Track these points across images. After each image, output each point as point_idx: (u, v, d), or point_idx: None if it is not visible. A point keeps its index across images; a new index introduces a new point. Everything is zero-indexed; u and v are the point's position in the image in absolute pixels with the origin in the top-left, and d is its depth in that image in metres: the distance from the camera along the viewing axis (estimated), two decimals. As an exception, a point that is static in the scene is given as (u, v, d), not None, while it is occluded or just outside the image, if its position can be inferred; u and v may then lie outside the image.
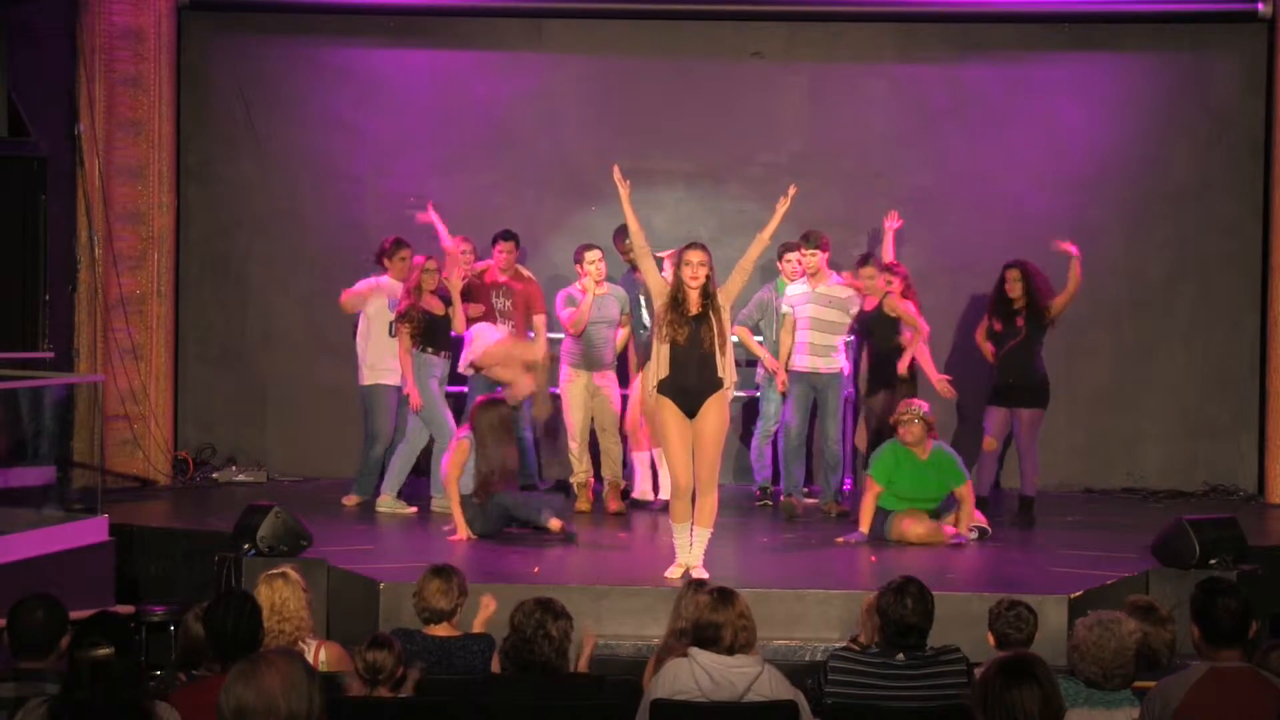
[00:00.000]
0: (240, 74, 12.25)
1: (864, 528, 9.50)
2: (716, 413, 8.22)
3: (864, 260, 10.65)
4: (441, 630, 6.38)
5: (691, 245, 8.39)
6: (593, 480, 10.81)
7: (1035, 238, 12.05)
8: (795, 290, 10.58)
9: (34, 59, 11.12)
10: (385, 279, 10.76)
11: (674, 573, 8.32)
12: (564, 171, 12.26)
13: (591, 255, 10.63)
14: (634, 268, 10.81)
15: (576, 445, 10.63)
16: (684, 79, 12.25)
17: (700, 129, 12.22)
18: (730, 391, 8.29)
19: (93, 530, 9.01)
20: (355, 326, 10.88)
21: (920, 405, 9.63)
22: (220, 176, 12.30)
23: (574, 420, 10.62)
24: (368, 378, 10.70)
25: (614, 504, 10.61)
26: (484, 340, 10.40)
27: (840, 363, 10.53)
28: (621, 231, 10.97)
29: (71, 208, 11.48)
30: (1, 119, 10.64)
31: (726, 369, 8.25)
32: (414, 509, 10.46)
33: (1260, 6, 11.75)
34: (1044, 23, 12.14)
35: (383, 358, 10.62)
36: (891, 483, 9.54)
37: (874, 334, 10.59)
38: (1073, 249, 10.39)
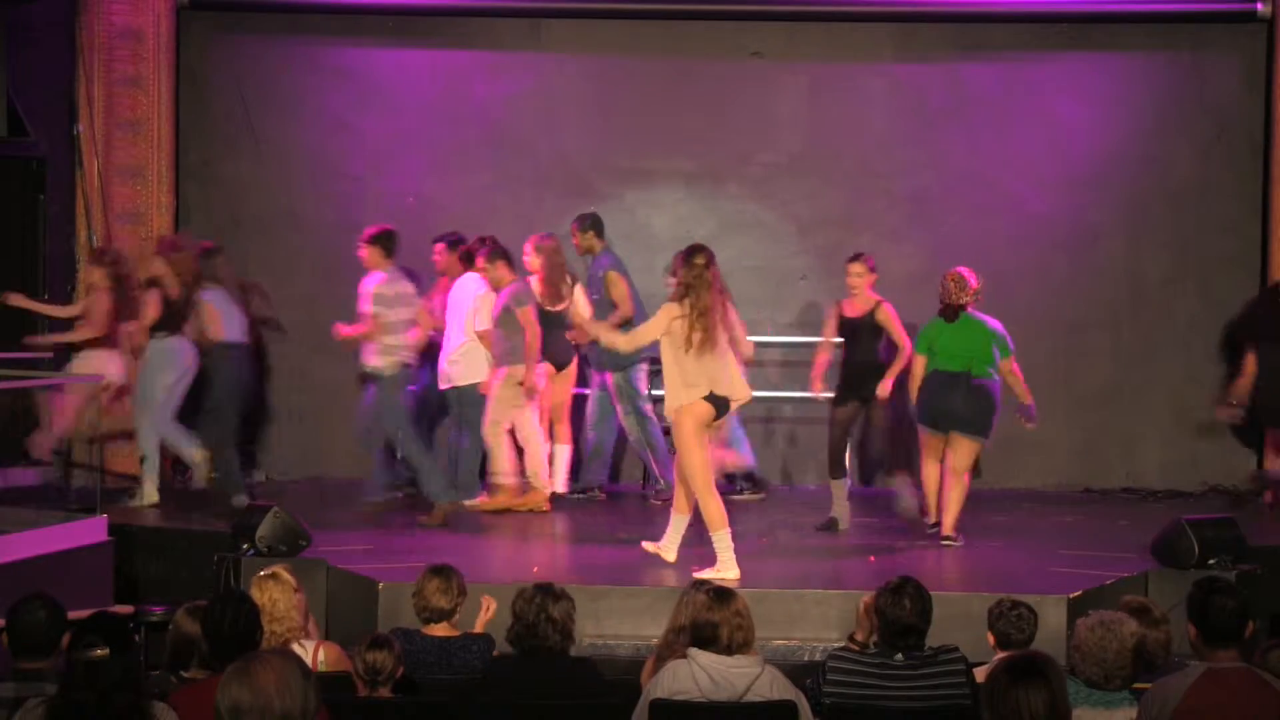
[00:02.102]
0: (239, 74, 12.26)
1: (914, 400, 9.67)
2: (673, 423, 8.44)
3: (855, 257, 10.03)
4: (441, 630, 6.38)
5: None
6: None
7: (1035, 238, 12.09)
8: None
9: (34, 59, 11.13)
10: (478, 278, 10.68)
11: (648, 545, 8.73)
12: (564, 171, 12.26)
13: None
14: (587, 253, 10.95)
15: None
16: (684, 79, 12.26)
17: (700, 129, 12.22)
18: (671, 409, 8.36)
19: (92, 530, 9.00)
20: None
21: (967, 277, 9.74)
22: (220, 176, 12.30)
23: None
24: (469, 376, 10.60)
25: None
26: None
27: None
28: (579, 221, 11.02)
29: (71, 208, 11.49)
30: (1, 119, 10.65)
31: (667, 389, 8.42)
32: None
33: (1260, 6, 11.75)
34: (1044, 23, 12.14)
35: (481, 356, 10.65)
36: (933, 350, 9.61)
37: (859, 341, 9.94)
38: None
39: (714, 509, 8.34)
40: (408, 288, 10.36)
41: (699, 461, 8.30)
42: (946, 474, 9.45)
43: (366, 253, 10.27)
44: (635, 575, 8.52)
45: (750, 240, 11.94)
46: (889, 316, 9.87)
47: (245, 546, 8.26)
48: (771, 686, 5.43)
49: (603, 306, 10.79)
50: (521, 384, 10.47)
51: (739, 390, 8.46)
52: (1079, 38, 12.14)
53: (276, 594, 6.13)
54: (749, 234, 12.03)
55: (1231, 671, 4.89)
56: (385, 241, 10.29)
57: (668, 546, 8.65)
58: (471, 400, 10.59)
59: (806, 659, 7.52)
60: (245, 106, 12.23)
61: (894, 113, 12.24)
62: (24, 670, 5.06)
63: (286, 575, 6.30)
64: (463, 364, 10.60)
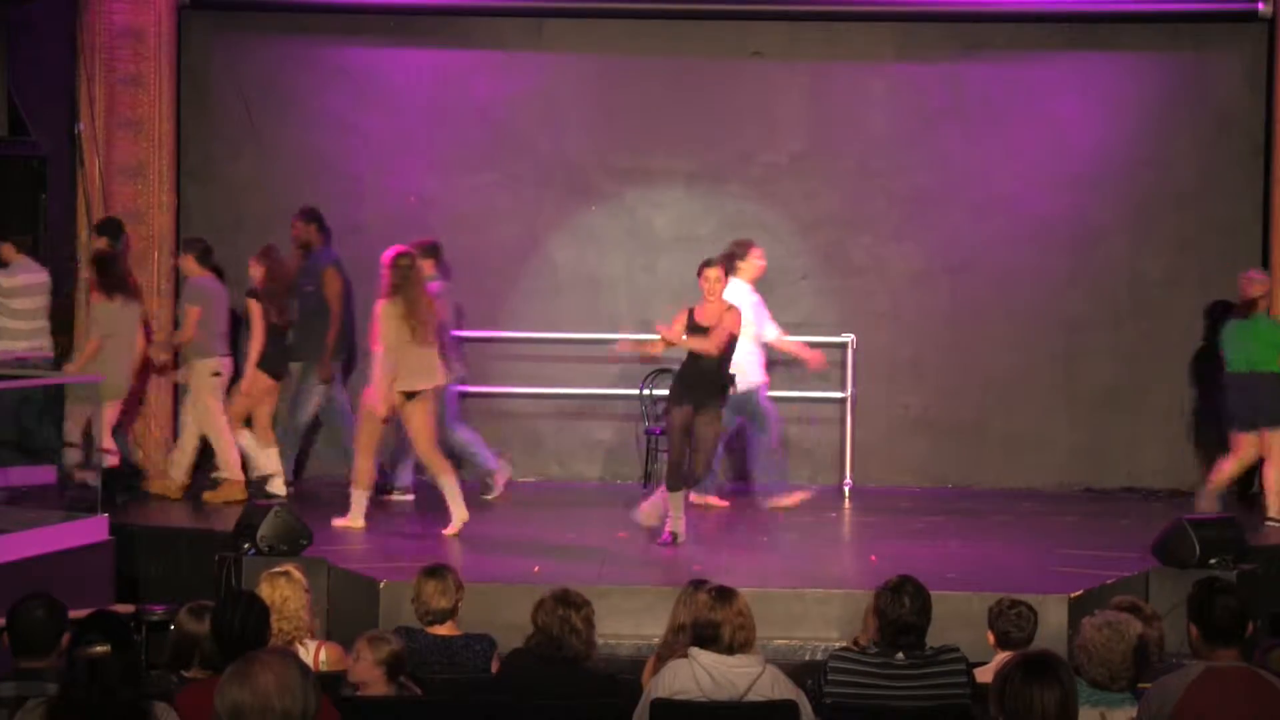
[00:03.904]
0: (241, 73, 12.25)
1: None
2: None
3: (710, 262, 9.52)
4: (443, 629, 6.38)
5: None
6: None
7: (1035, 237, 12.08)
8: None
9: (34, 59, 11.13)
10: (737, 285, 10.56)
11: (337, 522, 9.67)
12: (565, 171, 12.26)
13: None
14: (304, 247, 11.07)
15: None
16: (684, 78, 12.25)
17: (700, 128, 12.22)
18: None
19: (93, 530, 9.00)
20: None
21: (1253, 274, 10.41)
22: (220, 176, 12.29)
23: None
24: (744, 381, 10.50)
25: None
26: None
27: None
28: (301, 215, 11.17)
29: (71, 207, 11.49)
30: (1, 118, 10.66)
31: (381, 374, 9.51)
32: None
33: (1260, 6, 11.74)
34: (1044, 23, 12.14)
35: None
36: (1227, 351, 10.41)
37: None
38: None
39: (365, 467, 9.64)
40: (33, 279, 10.65)
41: (424, 432, 9.57)
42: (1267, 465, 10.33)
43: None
44: (636, 574, 8.53)
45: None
46: (735, 319, 9.38)
47: (246, 546, 8.26)
48: (773, 686, 5.43)
49: (316, 300, 10.87)
50: (216, 375, 10.73)
51: (437, 377, 9.67)
52: (1079, 38, 12.13)
53: (288, 592, 6.14)
54: (750, 233, 11.96)
55: (1231, 671, 4.89)
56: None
57: (355, 516, 9.66)
58: (749, 403, 10.53)
59: (808, 658, 7.52)
60: (246, 106, 12.22)
61: (894, 113, 12.23)
62: (25, 669, 5.06)
63: (297, 574, 6.31)
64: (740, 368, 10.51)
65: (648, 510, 9.68)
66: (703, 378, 9.34)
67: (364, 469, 9.73)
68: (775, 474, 10.88)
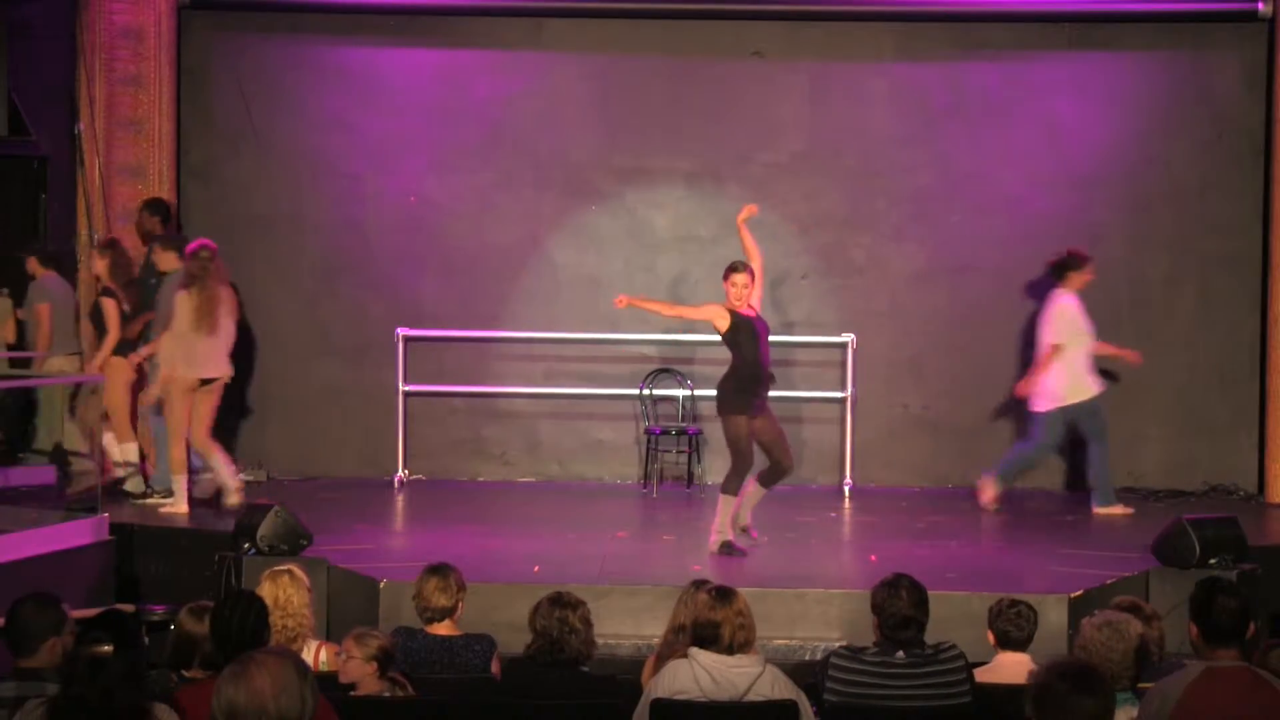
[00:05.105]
0: (240, 73, 12.25)
1: None
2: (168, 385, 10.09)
3: (741, 269, 9.29)
4: (443, 629, 6.38)
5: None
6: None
7: (1035, 238, 12.07)
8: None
9: (34, 58, 11.14)
10: (1063, 295, 10.65)
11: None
12: (564, 171, 12.26)
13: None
14: (146, 239, 11.09)
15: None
16: (684, 78, 12.25)
17: (701, 128, 12.22)
18: (170, 378, 9.99)
19: (93, 530, 9.01)
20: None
21: None
22: (221, 176, 12.30)
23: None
24: (1076, 394, 10.65)
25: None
26: None
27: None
28: (149, 206, 11.23)
29: (72, 207, 11.50)
30: (1, 118, 10.67)
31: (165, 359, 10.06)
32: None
33: (1260, 6, 11.74)
34: (1044, 23, 12.14)
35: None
36: None
37: (759, 342, 9.20)
38: None
39: (178, 456, 10.07)
40: None
41: (179, 417, 10.01)
42: None
43: None
44: (636, 574, 8.53)
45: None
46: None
47: (246, 546, 8.26)
48: (773, 686, 5.43)
49: (156, 292, 10.82)
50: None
51: (224, 368, 10.20)
52: (1079, 38, 12.13)
53: (290, 590, 6.15)
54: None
55: (1231, 671, 4.89)
56: None
57: (179, 500, 10.05)
58: (1089, 412, 10.66)
59: (808, 659, 7.52)
60: (246, 106, 12.23)
61: (894, 113, 12.24)
62: (25, 669, 5.06)
63: (299, 572, 6.32)
64: (1064, 380, 10.64)
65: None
66: (756, 380, 9.11)
67: (175, 454, 10.12)
68: (1104, 482, 10.87)
